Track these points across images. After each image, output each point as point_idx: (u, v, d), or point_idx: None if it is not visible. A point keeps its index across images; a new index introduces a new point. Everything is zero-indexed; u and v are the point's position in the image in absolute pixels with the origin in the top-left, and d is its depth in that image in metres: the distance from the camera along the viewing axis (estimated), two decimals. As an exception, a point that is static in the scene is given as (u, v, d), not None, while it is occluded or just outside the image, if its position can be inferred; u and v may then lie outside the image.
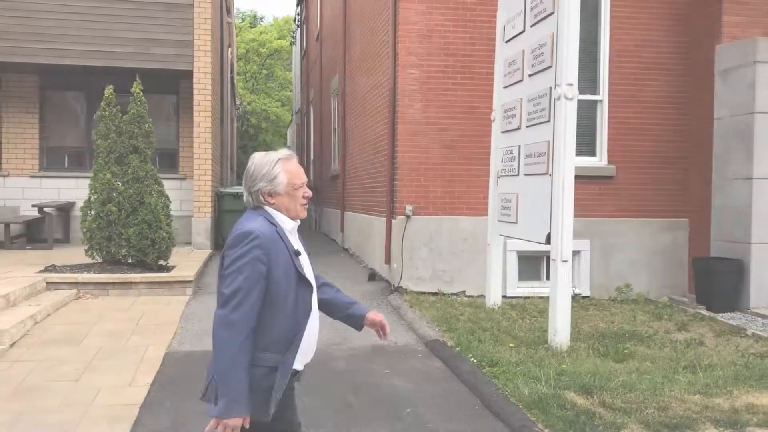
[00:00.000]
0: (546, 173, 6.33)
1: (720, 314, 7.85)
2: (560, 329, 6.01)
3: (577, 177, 8.86)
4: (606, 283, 8.94)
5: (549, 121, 6.29)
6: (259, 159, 2.51)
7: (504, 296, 8.68)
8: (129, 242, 8.46)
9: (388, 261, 8.83)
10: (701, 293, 8.24)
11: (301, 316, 2.46)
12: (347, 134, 13.10)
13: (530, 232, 6.69)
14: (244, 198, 2.56)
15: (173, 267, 9.08)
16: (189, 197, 12.58)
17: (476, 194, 8.63)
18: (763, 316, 7.69)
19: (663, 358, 5.89)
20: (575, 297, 8.60)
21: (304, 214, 2.57)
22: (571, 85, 6.04)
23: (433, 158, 8.64)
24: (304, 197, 2.53)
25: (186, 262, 9.80)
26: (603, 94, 8.96)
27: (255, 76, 43.89)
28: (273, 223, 2.45)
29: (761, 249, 7.93)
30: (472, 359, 5.69)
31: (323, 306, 2.74)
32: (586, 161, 8.97)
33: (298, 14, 27.37)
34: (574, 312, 7.83)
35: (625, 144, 8.99)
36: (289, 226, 2.50)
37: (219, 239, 13.08)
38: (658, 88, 9.05)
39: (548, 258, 8.94)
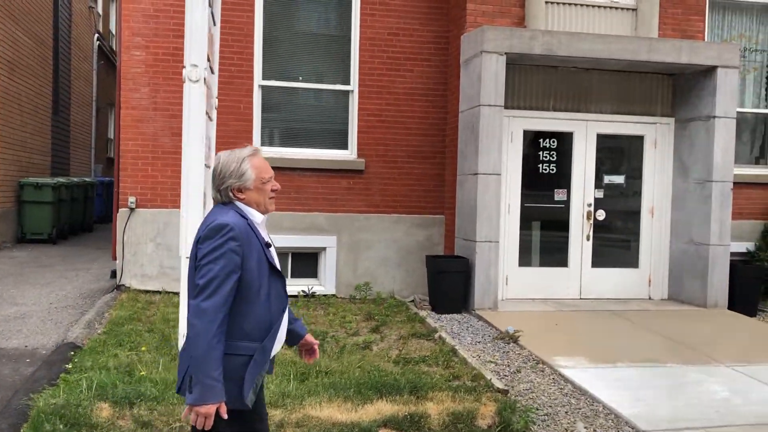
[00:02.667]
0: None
1: (444, 315, 7.51)
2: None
3: (326, 170, 8.55)
4: (354, 282, 8.52)
5: (192, 105, 5.78)
6: (225, 157, 2.59)
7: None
8: None
9: (114, 257, 8.27)
10: (431, 293, 7.88)
11: (275, 306, 2.56)
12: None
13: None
14: (212, 195, 2.61)
15: None
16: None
17: (210, 186, 8.12)
18: (479, 318, 7.35)
19: (291, 363, 5.44)
20: (313, 296, 8.19)
21: (273, 208, 2.65)
22: (195, 66, 5.53)
23: (163, 147, 8.10)
24: (272, 190, 2.62)
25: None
26: (354, 84, 8.54)
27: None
28: (244, 216, 2.54)
29: (485, 247, 7.59)
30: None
31: None
32: (337, 154, 8.57)
33: None
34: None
35: (377, 137, 8.59)
36: (259, 219, 2.58)
37: (19, 231, 12.39)
38: (415, 80, 8.67)
39: (293, 254, 8.54)
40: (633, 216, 8.67)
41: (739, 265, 8.34)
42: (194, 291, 2.42)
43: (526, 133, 8.35)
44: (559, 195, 8.47)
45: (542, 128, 8.39)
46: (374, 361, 5.62)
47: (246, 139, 8.20)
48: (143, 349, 5.67)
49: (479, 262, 7.56)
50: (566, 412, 4.72)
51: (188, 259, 5.27)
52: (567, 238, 8.48)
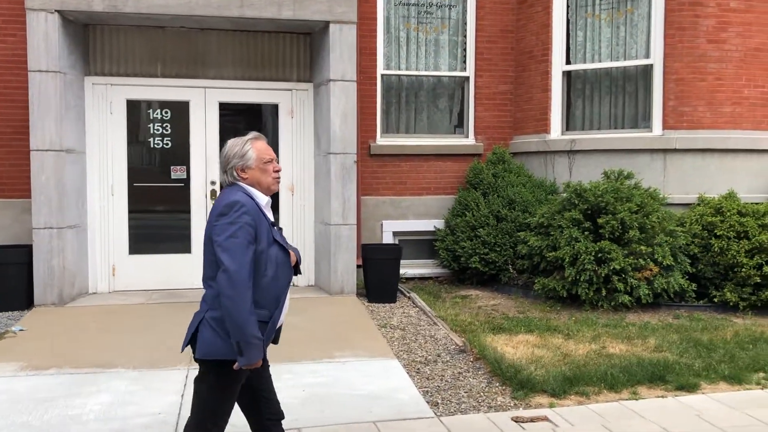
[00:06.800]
0: None
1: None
2: None
3: None
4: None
5: None
6: (231, 142, 2.87)
7: None
8: None
9: None
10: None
11: (282, 279, 2.80)
12: None
13: None
14: (220, 177, 2.92)
15: None
16: None
17: None
18: (36, 315, 6.41)
19: None
20: None
21: (276, 188, 2.87)
22: None
23: None
24: (275, 171, 2.85)
25: None
26: (-59, 51, 7.49)
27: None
28: (250, 196, 2.75)
29: (44, 236, 6.60)
30: None
31: None
32: (-75, 132, 7.53)
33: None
34: None
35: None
36: (264, 201, 2.80)
37: None
38: (18, 45, 7.51)
39: None
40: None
41: (370, 247, 7.46)
42: (220, 265, 2.61)
43: (130, 103, 7.37)
44: (177, 173, 7.52)
45: (149, 97, 7.41)
46: None
47: None
48: None
49: (37, 253, 6.60)
50: None
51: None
52: (189, 221, 7.56)
